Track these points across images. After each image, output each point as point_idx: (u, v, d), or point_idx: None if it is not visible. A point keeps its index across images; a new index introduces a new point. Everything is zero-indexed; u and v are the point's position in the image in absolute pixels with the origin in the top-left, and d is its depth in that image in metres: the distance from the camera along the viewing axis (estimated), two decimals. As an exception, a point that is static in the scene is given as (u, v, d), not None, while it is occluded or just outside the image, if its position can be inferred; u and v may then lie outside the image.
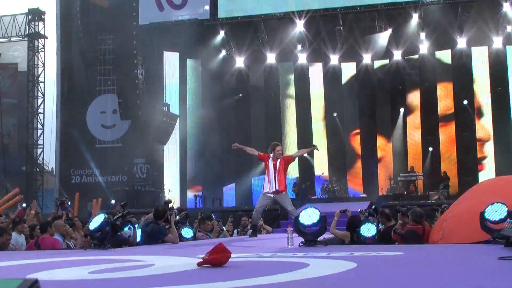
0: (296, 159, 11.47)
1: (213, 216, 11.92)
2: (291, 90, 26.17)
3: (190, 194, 24.68)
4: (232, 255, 4.30)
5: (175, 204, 21.04)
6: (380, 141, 25.39)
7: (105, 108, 25.59)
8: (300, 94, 25.86)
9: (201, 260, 4.17)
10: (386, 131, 25.32)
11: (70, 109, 25.70)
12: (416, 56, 24.44)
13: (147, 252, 6.24)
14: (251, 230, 10.28)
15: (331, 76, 25.53)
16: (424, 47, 23.91)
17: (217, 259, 4.12)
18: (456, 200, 8.46)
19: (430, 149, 24.24)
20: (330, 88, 25.58)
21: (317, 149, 10.54)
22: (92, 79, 25.69)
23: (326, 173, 24.75)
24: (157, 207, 8.43)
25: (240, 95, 26.04)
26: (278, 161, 9.73)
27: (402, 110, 24.90)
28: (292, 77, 26.04)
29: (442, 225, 7.07)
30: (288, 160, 10.00)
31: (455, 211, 7.33)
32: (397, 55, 24.32)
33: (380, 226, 8.16)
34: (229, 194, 25.50)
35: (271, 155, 9.78)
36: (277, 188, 9.62)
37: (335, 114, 25.67)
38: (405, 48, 24.03)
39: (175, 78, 25.22)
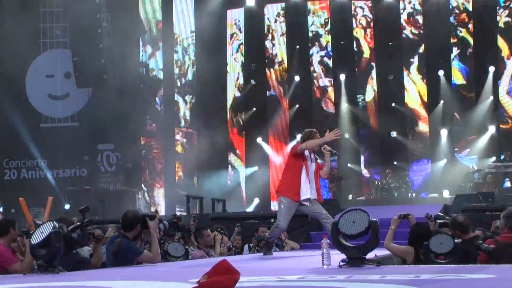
0: None
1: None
2: (327, 38, 26.36)
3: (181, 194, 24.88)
4: (242, 277, 4.30)
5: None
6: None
7: (54, 70, 25.61)
8: (339, 45, 25.99)
9: (197, 284, 4.18)
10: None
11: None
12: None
13: (118, 275, 6.29)
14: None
15: (385, 20, 25.56)
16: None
17: (219, 283, 4.13)
18: None
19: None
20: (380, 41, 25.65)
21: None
22: (33, 27, 25.60)
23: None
24: (126, 213, 8.45)
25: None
26: (314, 160, 9.86)
27: (492, 68, 24.78)
28: (328, 20, 26.14)
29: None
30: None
31: None
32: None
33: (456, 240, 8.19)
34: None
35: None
36: (316, 196, 9.76)
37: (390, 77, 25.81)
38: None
39: (156, 26, 25.21)
